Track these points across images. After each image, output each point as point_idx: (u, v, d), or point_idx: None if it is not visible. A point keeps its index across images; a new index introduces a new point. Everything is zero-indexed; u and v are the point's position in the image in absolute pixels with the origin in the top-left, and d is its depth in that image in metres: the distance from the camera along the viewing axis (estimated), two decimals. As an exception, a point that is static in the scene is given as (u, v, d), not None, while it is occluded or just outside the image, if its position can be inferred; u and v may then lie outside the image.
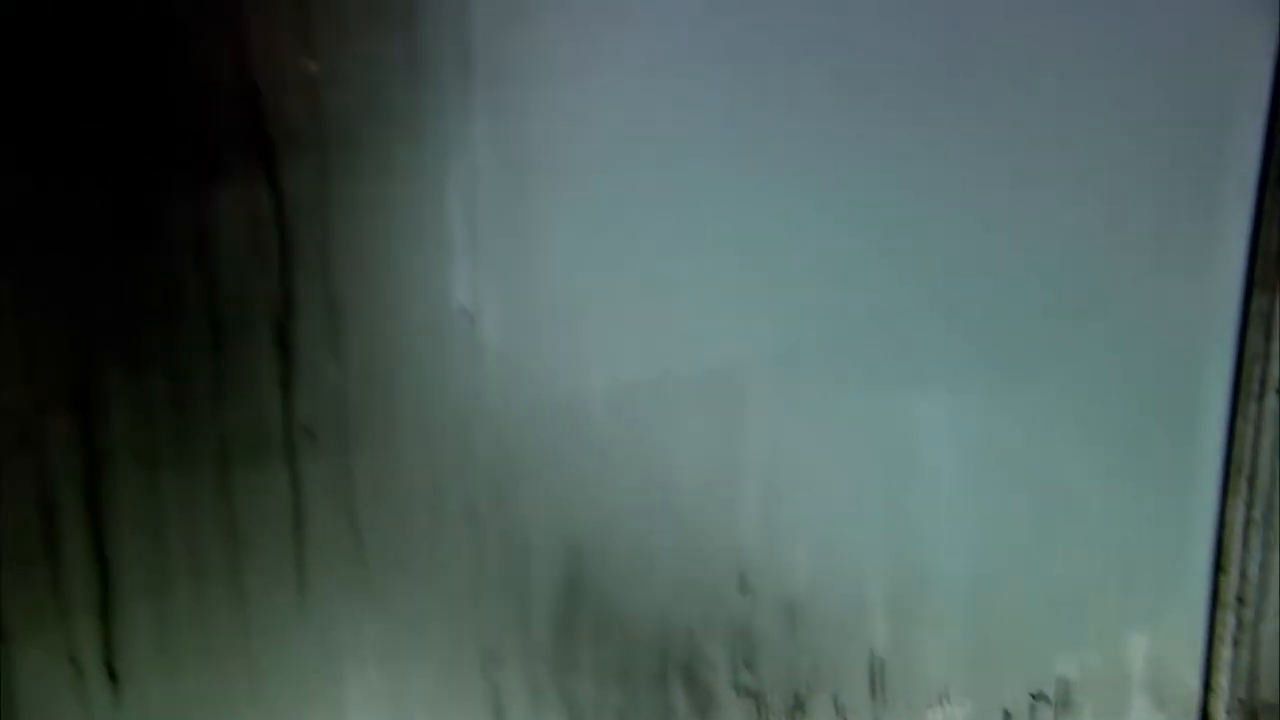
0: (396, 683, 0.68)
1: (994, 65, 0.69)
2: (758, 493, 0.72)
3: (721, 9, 0.65)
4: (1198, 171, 0.74)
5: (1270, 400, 0.78)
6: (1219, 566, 0.81)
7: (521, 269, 0.65)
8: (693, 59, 0.65)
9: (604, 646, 0.71)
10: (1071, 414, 0.76)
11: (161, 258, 0.60)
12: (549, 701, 0.71)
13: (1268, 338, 0.77)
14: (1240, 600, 0.82)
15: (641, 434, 0.69)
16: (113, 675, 0.64)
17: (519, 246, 0.65)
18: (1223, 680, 0.83)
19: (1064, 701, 0.81)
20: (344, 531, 0.65)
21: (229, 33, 0.59)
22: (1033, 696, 0.81)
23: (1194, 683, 0.84)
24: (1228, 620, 0.82)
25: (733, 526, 0.72)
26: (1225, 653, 0.83)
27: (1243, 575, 0.81)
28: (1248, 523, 0.81)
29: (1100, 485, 0.78)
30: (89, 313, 0.60)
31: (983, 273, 0.72)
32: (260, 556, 0.64)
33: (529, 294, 0.66)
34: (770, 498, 0.72)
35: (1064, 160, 0.72)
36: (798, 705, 0.76)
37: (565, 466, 0.69)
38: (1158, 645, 0.82)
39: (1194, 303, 0.77)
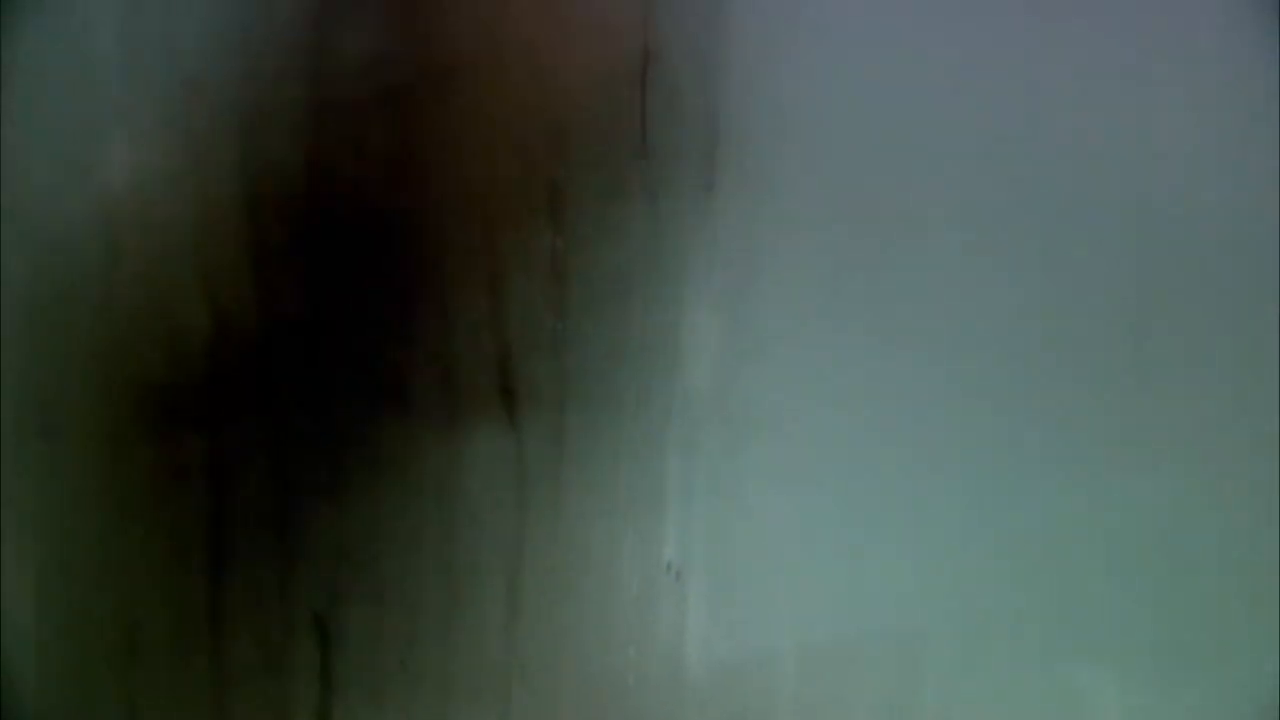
0: None
1: (1182, 373, 0.74)
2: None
3: (914, 304, 0.70)
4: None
5: None
6: None
7: (726, 529, 0.69)
8: (895, 344, 0.70)
9: None
10: (1243, 700, 0.77)
11: (406, 499, 0.64)
12: None
13: None
14: None
15: (824, 697, 0.72)
16: None
17: (726, 507, 0.69)
18: None
19: None
20: (546, 776, 0.67)
21: (488, 292, 0.64)
22: None
23: None
24: None
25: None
26: None
27: None
28: None
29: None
30: (336, 546, 0.63)
31: (1154, 558, 0.75)
32: (467, 795, 0.66)
33: (731, 554, 0.69)
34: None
35: (1235, 460, 0.75)
36: None
37: (755, 724, 0.71)
38: None
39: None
